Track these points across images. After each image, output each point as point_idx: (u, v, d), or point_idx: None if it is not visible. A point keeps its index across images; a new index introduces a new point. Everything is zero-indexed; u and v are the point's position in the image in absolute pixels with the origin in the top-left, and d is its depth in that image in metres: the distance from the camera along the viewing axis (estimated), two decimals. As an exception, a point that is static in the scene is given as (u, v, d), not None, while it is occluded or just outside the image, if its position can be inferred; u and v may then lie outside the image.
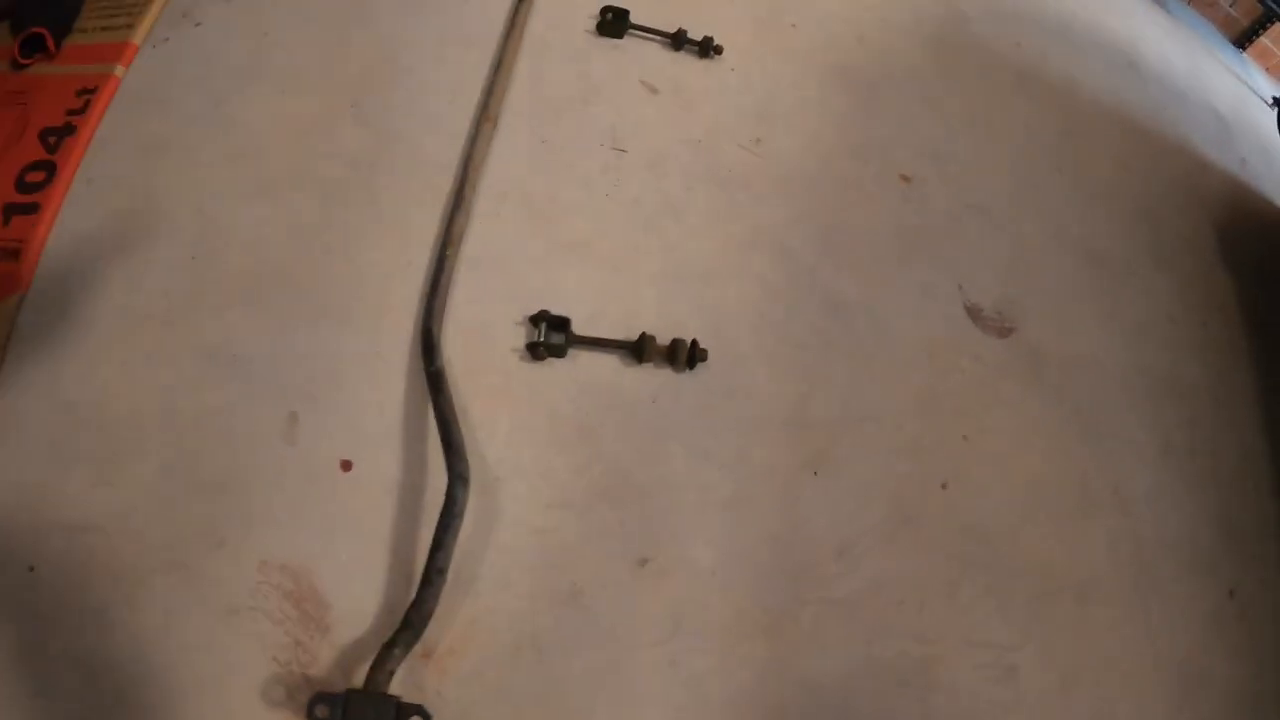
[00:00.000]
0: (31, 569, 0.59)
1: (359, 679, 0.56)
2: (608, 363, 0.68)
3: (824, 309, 0.75)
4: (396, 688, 0.56)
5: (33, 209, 0.72)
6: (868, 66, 0.93)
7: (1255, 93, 1.36)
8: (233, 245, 0.70)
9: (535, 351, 0.66)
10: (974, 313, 0.79)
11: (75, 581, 0.60)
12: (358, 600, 0.60)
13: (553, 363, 0.67)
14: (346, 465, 0.64)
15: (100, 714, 0.57)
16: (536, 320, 0.67)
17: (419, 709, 0.55)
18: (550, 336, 0.67)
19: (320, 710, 0.54)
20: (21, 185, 0.73)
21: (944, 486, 0.73)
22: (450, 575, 0.61)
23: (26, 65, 0.81)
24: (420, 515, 0.63)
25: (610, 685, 0.61)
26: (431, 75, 0.79)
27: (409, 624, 0.57)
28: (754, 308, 0.72)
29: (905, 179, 0.83)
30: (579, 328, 0.68)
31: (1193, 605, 0.82)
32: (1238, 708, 0.79)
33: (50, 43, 0.80)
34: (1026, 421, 0.78)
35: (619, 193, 0.75)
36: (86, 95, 0.78)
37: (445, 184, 0.73)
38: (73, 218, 0.70)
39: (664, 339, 0.68)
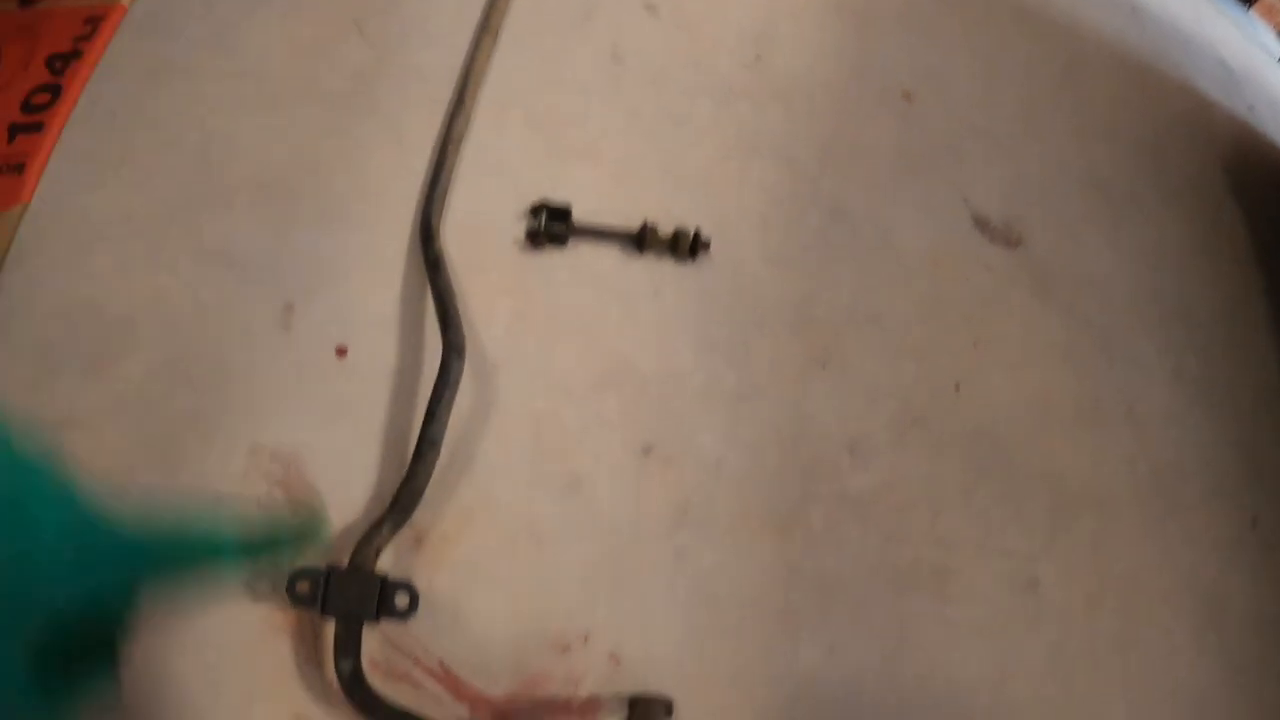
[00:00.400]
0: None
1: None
2: (609, 254, 0.65)
3: (827, 216, 0.72)
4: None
5: (37, 128, 0.72)
6: None
7: (1264, 48, 1.34)
8: (234, 155, 0.67)
9: (535, 240, 0.63)
10: (981, 223, 0.77)
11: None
12: (348, 487, 0.57)
13: (553, 253, 0.65)
14: (341, 351, 0.61)
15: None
16: (537, 210, 0.64)
17: (406, 584, 0.51)
18: (550, 226, 0.64)
19: (301, 586, 0.51)
20: (27, 107, 0.72)
21: (956, 389, 0.70)
22: (445, 459, 0.57)
23: (34, 1, 0.80)
24: (416, 400, 0.59)
25: (611, 577, 0.57)
26: None
27: (399, 501, 0.53)
28: (756, 211, 0.70)
29: (907, 97, 0.82)
30: (578, 219, 0.66)
31: (1213, 532, 0.78)
32: (1260, 636, 0.75)
33: None
34: (1037, 332, 0.75)
35: (619, 103, 0.73)
36: (94, 22, 0.77)
37: (446, 94, 0.71)
38: (77, 135, 0.68)
39: (664, 230, 0.65)
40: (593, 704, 0.54)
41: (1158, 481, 0.77)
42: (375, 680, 0.50)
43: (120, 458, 0.57)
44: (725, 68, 0.78)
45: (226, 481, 0.56)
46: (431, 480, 0.55)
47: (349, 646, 0.51)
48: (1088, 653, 0.68)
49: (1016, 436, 0.70)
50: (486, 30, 0.75)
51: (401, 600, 0.51)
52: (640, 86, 0.74)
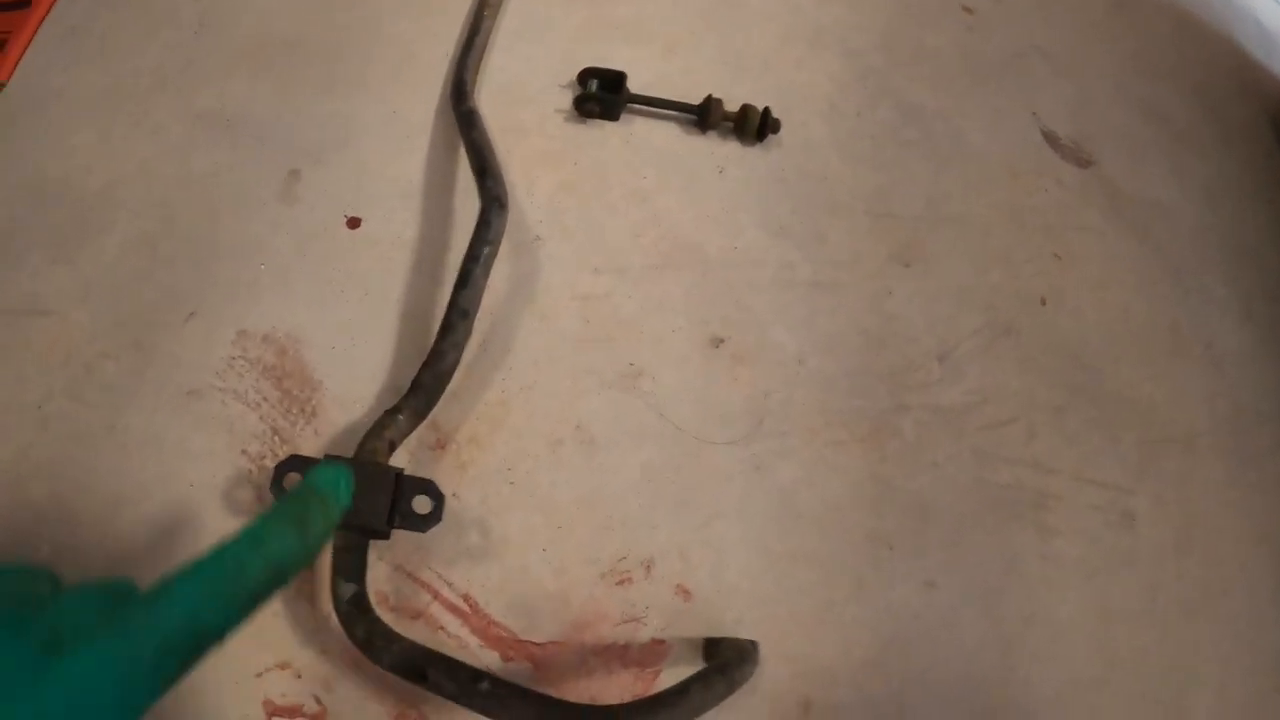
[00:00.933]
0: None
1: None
2: (667, 129, 0.54)
3: (897, 111, 0.63)
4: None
5: (23, 3, 0.61)
6: None
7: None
8: (241, 18, 0.56)
9: (584, 108, 0.52)
10: (1051, 139, 0.70)
11: (13, 373, 0.46)
12: (354, 379, 0.45)
13: (604, 125, 0.55)
14: (354, 222, 0.50)
15: (33, 520, 0.43)
16: (585, 76, 0.53)
17: (427, 483, 0.39)
18: (602, 94, 0.53)
19: (290, 478, 0.38)
20: None
21: (1042, 302, 0.62)
22: (475, 344, 0.46)
23: None
24: (441, 275, 0.47)
25: (678, 492, 0.45)
26: None
27: (420, 385, 0.41)
28: (824, 97, 0.60)
29: (968, 10, 0.76)
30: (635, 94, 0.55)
31: (1289, 484, 0.72)
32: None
33: None
34: (1113, 252, 0.68)
35: None
36: None
37: None
38: (65, 12, 0.57)
39: (732, 109, 0.55)
40: (658, 649, 0.42)
41: (1236, 423, 0.70)
42: (384, 616, 0.39)
43: (87, 346, 0.45)
44: None
45: (206, 373, 0.45)
46: (460, 366, 0.44)
47: (351, 566, 0.38)
48: (1180, 599, 0.59)
49: (1104, 358, 0.61)
50: None
51: (421, 505, 0.38)
52: None
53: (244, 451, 0.44)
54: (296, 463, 0.38)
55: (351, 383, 0.45)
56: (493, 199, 0.44)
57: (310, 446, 0.44)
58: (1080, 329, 0.61)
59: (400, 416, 0.41)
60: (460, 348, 0.43)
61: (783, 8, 0.64)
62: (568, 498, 0.45)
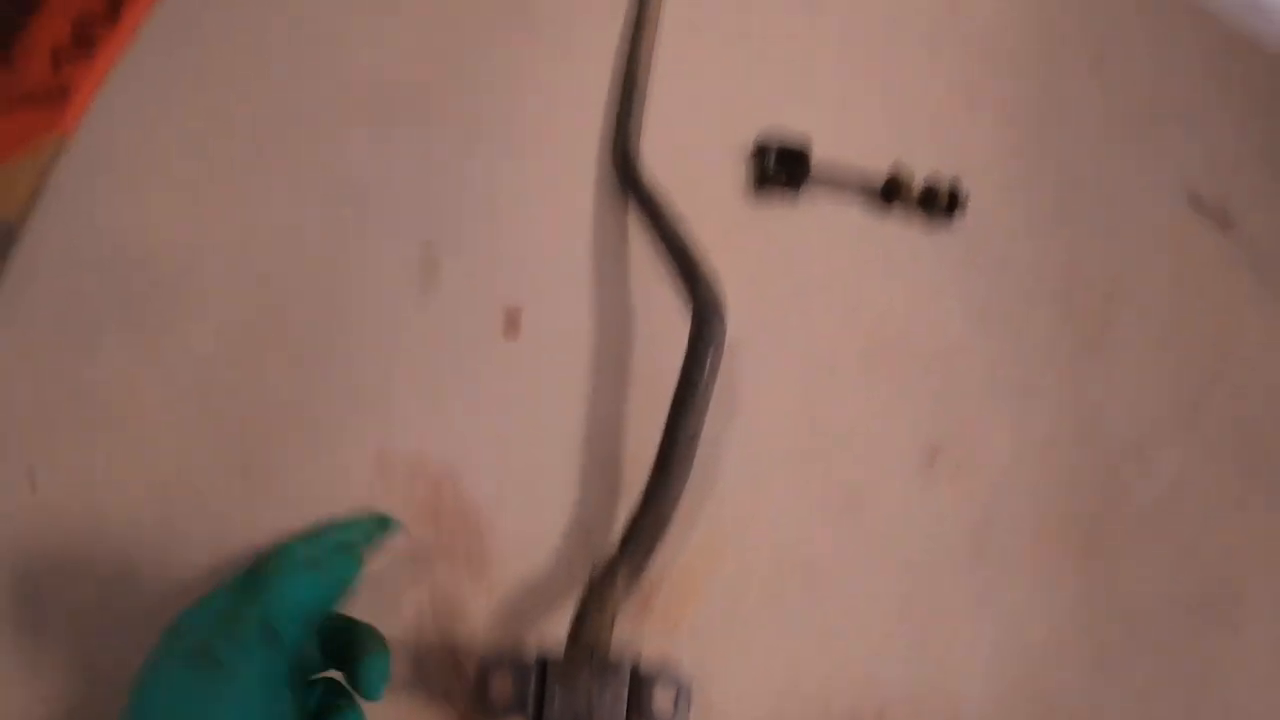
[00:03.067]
0: (33, 481, 0.36)
1: (546, 637, 0.33)
2: (848, 207, 0.46)
3: (1062, 179, 0.56)
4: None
5: (87, 53, 0.50)
6: None
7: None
8: (356, 58, 0.45)
9: (764, 185, 0.45)
10: (1195, 201, 0.65)
11: (83, 503, 0.37)
12: (530, 519, 0.36)
13: (782, 204, 0.47)
14: (512, 316, 0.42)
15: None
16: (763, 149, 0.45)
17: (669, 675, 0.30)
18: (782, 170, 0.46)
19: (498, 682, 0.29)
20: (78, 38, 0.50)
21: (1214, 380, 0.57)
22: None
23: None
24: (625, 382, 0.39)
25: (907, 627, 0.38)
26: None
27: (639, 534, 0.32)
28: (996, 166, 0.55)
29: (1097, 59, 0.69)
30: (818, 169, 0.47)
31: None
32: None
33: None
34: (1268, 318, 0.64)
35: (824, 19, 0.54)
36: None
37: (619, 3, 0.50)
38: (139, 55, 0.45)
39: (917, 183, 0.48)
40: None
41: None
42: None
43: (179, 468, 0.36)
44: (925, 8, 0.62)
45: (338, 509, 0.36)
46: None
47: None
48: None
49: (1274, 433, 0.57)
50: None
51: (664, 700, 0.30)
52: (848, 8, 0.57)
53: (396, 614, 0.35)
54: (501, 661, 0.30)
55: (527, 523, 0.37)
56: (708, 307, 0.36)
57: (483, 611, 0.36)
58: (1249, 405, 0.56)
59: (618, 579, 0.33)
60: (683, 483, 0.35)
61: (940, 64, 0.57)
62: (793, 645, 0.38)
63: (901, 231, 0.47)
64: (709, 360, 0.35)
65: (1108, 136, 0.61)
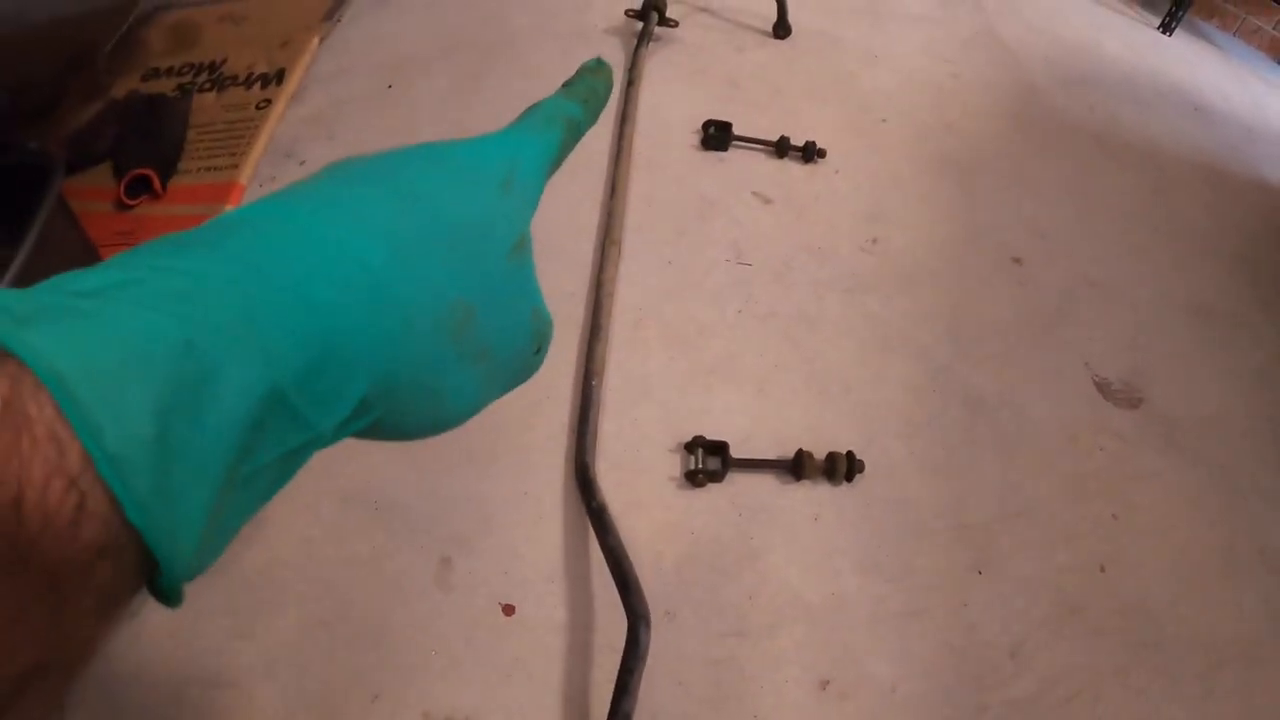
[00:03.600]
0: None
1: None
2: (765, 483, 0.62)
3: (965, 407, 0.68)
4: None
5: None
6: (961, 153, 0.87)
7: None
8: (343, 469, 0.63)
9: (694, 479, 0.60)
10: (1103, 388, 0.73)
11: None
12: None
13: (711, 488, 0.63)
14: (508, 610, 0.59)
15: None
16: (692, 446, 0.62)
17: None
18: (708, 462, 0.62)
19: None
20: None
21: (1102, 570, 0.66)
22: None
23: (132, 206, 0.76)
24: (591, 657, 0.56)
25: None
26: (549, 209, 0.75)
27: None
28: (899, 413, 0.66)
29: (1017, 261, 0.78)
30: (732, 449, 0.63)
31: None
32: None
33: (156, 184, 0.76)
34: (1168, 491, 0.71)
35: (752, 308, 0.69)
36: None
37: (579, 313, 0.69)
38: None
39: (817, 453, 0.62)
40: None
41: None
42: None
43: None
44: (846, 254, 0.74)
45: None
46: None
47: None
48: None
49: (1162, 604, 0.66)
50: (610, 240, 0.73)
51: None
52: (768, 285, 0.71)
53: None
54: None
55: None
56: (638, 617, 0.52)
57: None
58: (1138, 584, 0.66)
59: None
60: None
61: (855, 315, 0.69)
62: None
63: (806, 498, 0.61)
64: (637, 662, 0.51)
65: (1019, 336, 0.71)
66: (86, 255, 0.67)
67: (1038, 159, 0.87)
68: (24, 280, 0.57)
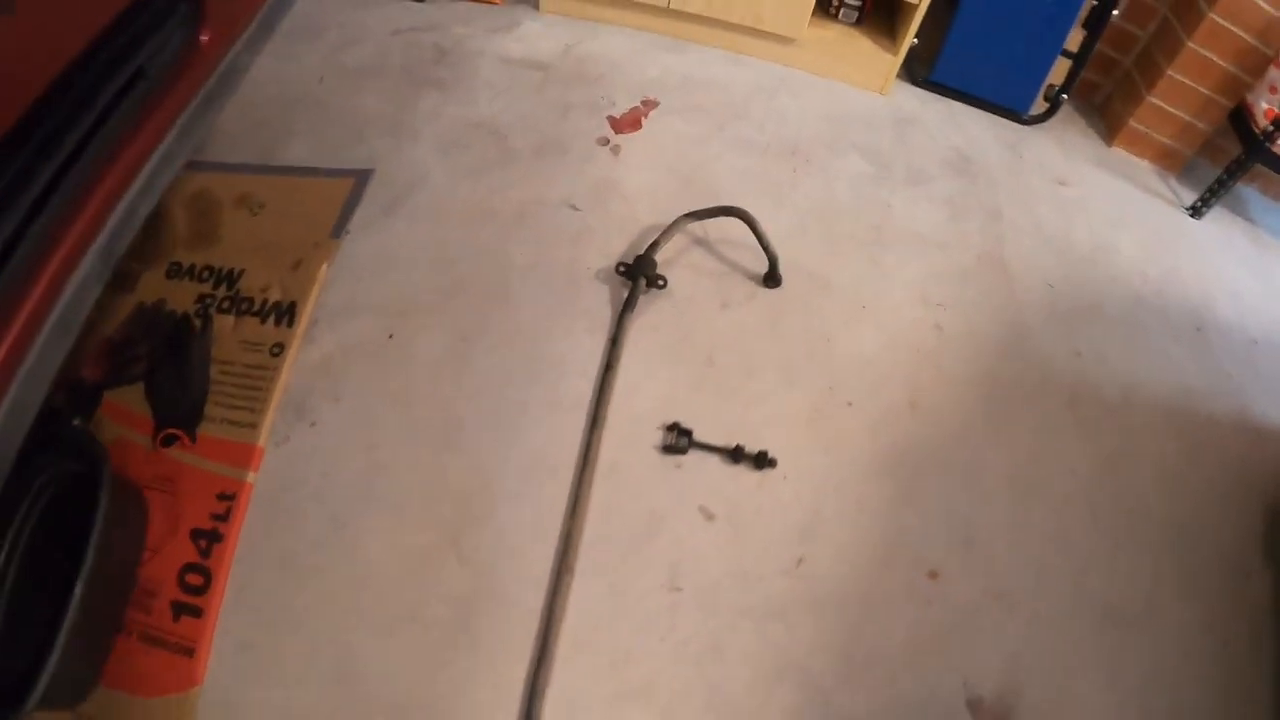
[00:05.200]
0: None
1: None
2: None
3: None
4: None
5: (197, 612, 0.77)
6: (915, 440, 0.87)
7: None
8: (365, 675, 0.73)
9: None
10: (974, 706, 0.79)
11: None
12: None
13: None
14: None
15: None
16: None
17: None
18: None
19: None
20: (184, 586, 0.79)
21: None
22: None
23: (169, 444, 0.85)
24: None
25: None
26: (516, 512, 0.79)
27: None
28: None
29: (933, 575, 0.81)
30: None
31: None
32: None
33: (186, 440, 0.85)
34: None
35: (673, 635, 0.75)
36: (226, 501, 0.82)
37: (532, 629, 0.75)
38: (232, 623, 0.75)
39: None
40: None
41: None
42: None
43: None
44: (770, 577, 0.78)
45: None
46: None
47: None
48: None
49: None
50: (565, 566, 0.78)
51: None
52: (692, 613, 0.76)
53: None
54: None
55: None
56: None
57: None
58: None
59: None
60: None
61: (758, 645, 0.75)
62: None
63: None
64: None
65: (905, 665, 0.77)
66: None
67: (995, 435, 0.86)
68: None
